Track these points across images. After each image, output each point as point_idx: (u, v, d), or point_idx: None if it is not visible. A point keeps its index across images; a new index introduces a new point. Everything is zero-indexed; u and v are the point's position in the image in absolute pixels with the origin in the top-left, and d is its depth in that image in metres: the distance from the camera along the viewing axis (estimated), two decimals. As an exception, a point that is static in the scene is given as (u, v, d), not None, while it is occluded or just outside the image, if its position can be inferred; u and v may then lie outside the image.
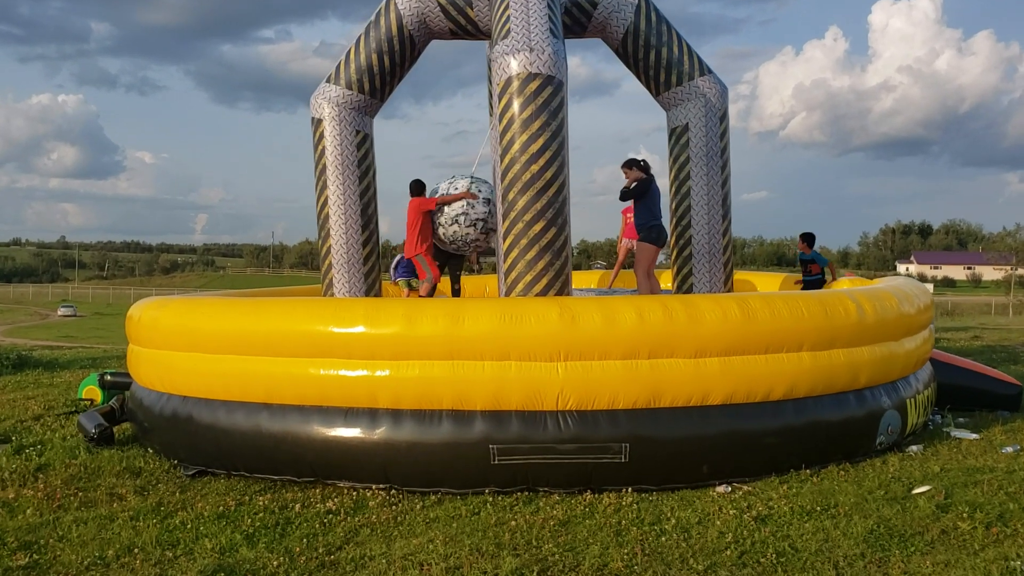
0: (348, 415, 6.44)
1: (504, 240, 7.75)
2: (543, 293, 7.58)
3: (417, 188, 10.22)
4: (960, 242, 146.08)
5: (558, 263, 7.67)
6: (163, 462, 7.37)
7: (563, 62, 7.74)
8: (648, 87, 9.67)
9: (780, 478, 6.54)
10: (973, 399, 9.05)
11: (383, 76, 9.28)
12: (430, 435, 6.26)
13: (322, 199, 9.43)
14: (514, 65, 7.61)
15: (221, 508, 6.06)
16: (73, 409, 9.96)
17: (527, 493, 6.25)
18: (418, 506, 6.05)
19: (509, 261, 7.70)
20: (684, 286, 9.62)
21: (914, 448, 7.42)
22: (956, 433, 8.01)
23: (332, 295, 9.44)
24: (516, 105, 7.62)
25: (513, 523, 5.57)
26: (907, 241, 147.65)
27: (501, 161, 7.74)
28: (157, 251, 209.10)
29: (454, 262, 11.22)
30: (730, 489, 6.32)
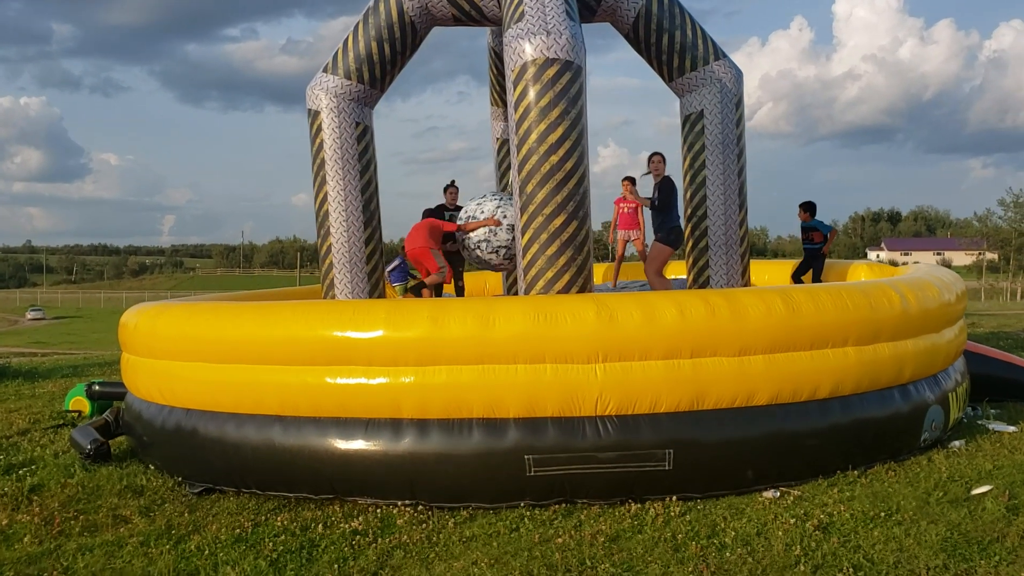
0: (369, 426, 6.00)
1: (523, 235, 7.33)
2: (565, 290, 7.18)
3: (430, 213, 9.95)
4: (929, 228, 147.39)
5: (580, 258, 7.27)
6: (166, 479, 6.89)
7: (581, 46, 7.33)
8: (660, 73, 9.27)
9: (828, 480, 6.19)
10: (1003, 389, 8.74)
11: (383, 65, 8.81)
12: (460, 446, 5.84)
13: (321, 195, 8.95)
14: (529, 50, 7.18)
15: (238, 530, 5.61)
16: (61, 422, 9.45)
17: (565, 505, 5.85)
18: (450, 523, 5.63)
19: (528, 257, 7.29)
20: (700, 279, 9.24)
21: (956, 444, 7.10)
22: (993, 426, 7.70)
23: (333, 296, 8.97)
24: (532, 93, 7.20)
25: (559, 540, 5.16)
26: (877, 228, 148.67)
27: (517, 152, 7.32)
28: (125, 254, 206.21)
29: (456, 259, 10.79)
30: (779, 494, 5.95)
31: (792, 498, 5.83)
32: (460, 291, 10.76)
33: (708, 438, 5.90)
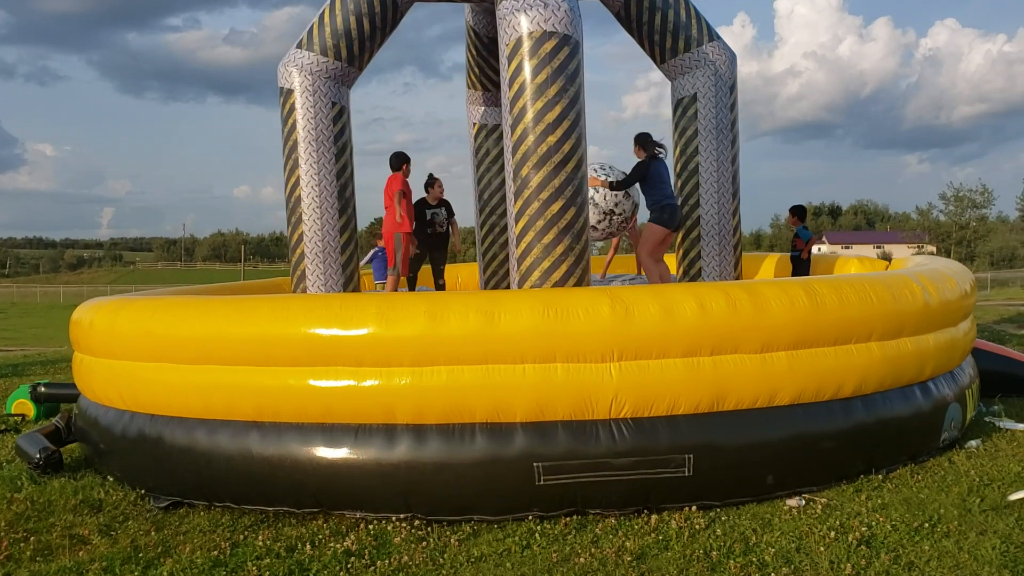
0: (360, 433, 5.43)
1: (517, 222, 6.80)
2: (562, 281, 6.66)
3: (396, 162, 9.30)
4: (869, 222, 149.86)
5: (578, 247, 6.76)
6: (127, 492, 6.23)
7: (579, 20, 6.82)
8: (652, 54, 8.81)
9: (852, 486, 5.78)
10: (1004, 385, 8.44)
11: (362, 41, 8.20)
12: (461, 454, 5.30)
13: (292, 180, 8.31)
14: (525, 23, 6.65)
15: (215, 552, 5.00)
16: (3, 427, 8.68)
17: (576, 517, 5.35)
18: (452, 540, 5.08)
19: (523, 246, 6.76)
20: (691, 271, 8.81)
21: (973, 444, 6.75)
22: (1004, 424, 7.38)
23: (304, 290, 8.35)
24: (528, 69, 6.66)
25: (581, 560, 4.65)
26: (818, 222, 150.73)
27: (512, 133, 6.79)
28: (61, 247, 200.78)
29: (438, 254, 10.26)
30: (803, 502, 5.52)
31: (820, 507, 5.40)
32: (440, 289, 10.21)
33: (729, 442, 5.45)
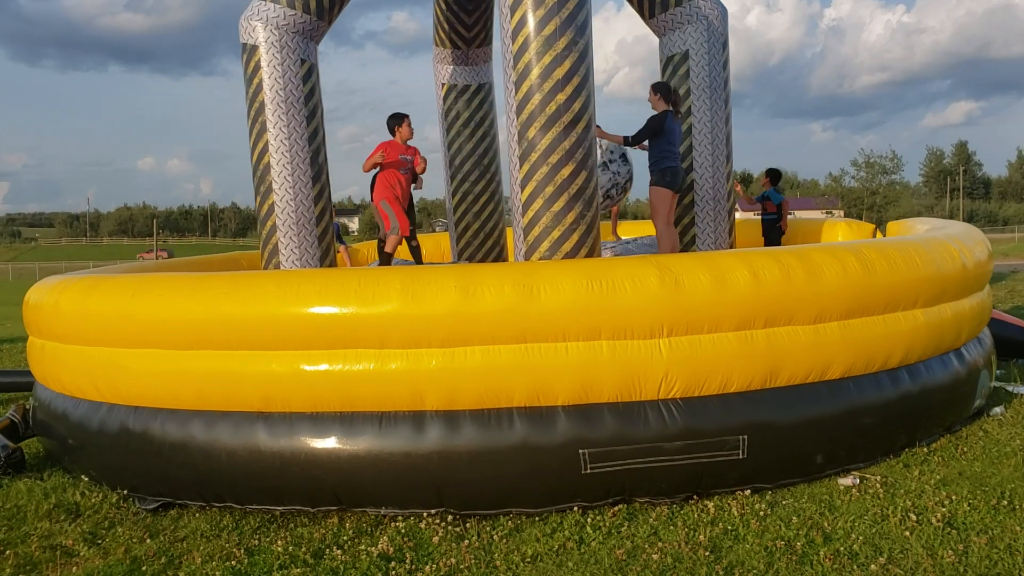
0: (384, 422, 4.89)
1: (523, 189, 6.28)
2: (574, 251, 6.19)
3: (390, 123, 8.66)
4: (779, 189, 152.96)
5: (589, 214, 6.29)
6: (106, 492, 5.57)
7: (589, -34, 6.30)
8: (640, 9, 8.34)
9: (899, 460, 5.51)
10: (1003, 349, 8.29)
11: (334, -8, 7.54)
12: (499, 441, 4.81)
13: (260, 146, 7.61)
14: (534, -31, 6.10)
15: (232, 562, 4.42)
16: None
17: (623, 506, 4.91)
18: (495, 537, 4.60)
19: (531, 214, 6.25)
20: (685, 238, 8.42)
21: (997, 411, 6.55)
22: (1016, 389, 7.21)
23: (277, 263, 7.70)
24: (533, 21, 6.12)
25: (654, 557, 4.21)
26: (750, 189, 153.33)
27: (516, 91, 6.25)
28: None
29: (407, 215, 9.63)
30: (858, 480, 5.19)
31: (877, 485, 5.07)
32: (416, 251, 9.61)
33: (783, 420, 5.08)
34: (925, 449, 5.66)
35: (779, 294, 5.00)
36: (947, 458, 5.52)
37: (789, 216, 11.80)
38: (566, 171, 6.18)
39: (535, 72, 6.15)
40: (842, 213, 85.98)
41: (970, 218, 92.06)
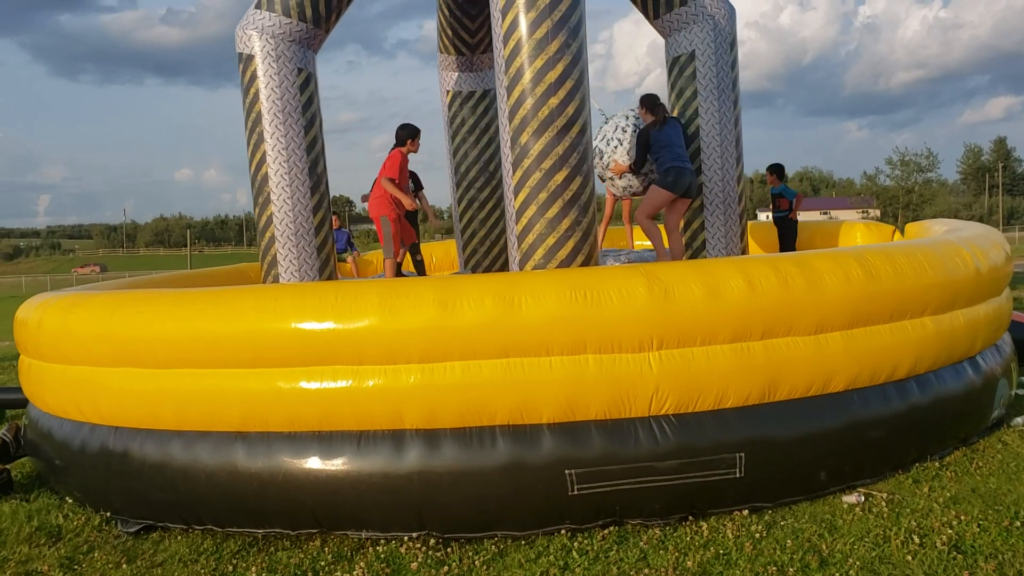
0: (363, 441, 4.72)
1: (516, 196, 6.09)
2: (569, 259, 5.99)
3: (402, 135, 8.46)
4: (814, 188, 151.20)
5: (585, 220, 6.08)
6: (89, 515, 5.46)
7: (582, -34, 6.10)
8: (645, 9, 8.12)
9: (908, 476, 5.23)
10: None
11: (328, 0, 7.39)
12: (481, 461, 4.61)
13: (258, 156, 7.49)
14: (523, -30, 5.91)
15: (203, 590, 4.27)
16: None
17: (614, 528, 4.69)
18: (478, 563, 4.40)
19: (524, 222, 6.06)
20: (695, 243, 8.18)
21: (1019, 420, 6.24)
22: (1036, 397, 6.88)
23: (276, 276, 7.57)
24: (525, 22, 5.93)
25: (639, 584, 4.00)
26: (765, 190, 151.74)
27: (508, 96, 6.07)
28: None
29: (410, 223, 9.48)
30: (863, 498, 4.93)
31: (882, 503, 4.81)
32: (420, 266, 9.45)
33: (783, 435, 4.83)
34: (937, 464, 5.39)
35: (777, 303, 4.76)
36: (960, 473, 5.24)
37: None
38: (560, 176, 5.98)
39: (527, 76, 5.96)
40: (878, 213, 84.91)
41: (1010, 215, 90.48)
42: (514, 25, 5.98)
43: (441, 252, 12.62)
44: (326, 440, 4.75)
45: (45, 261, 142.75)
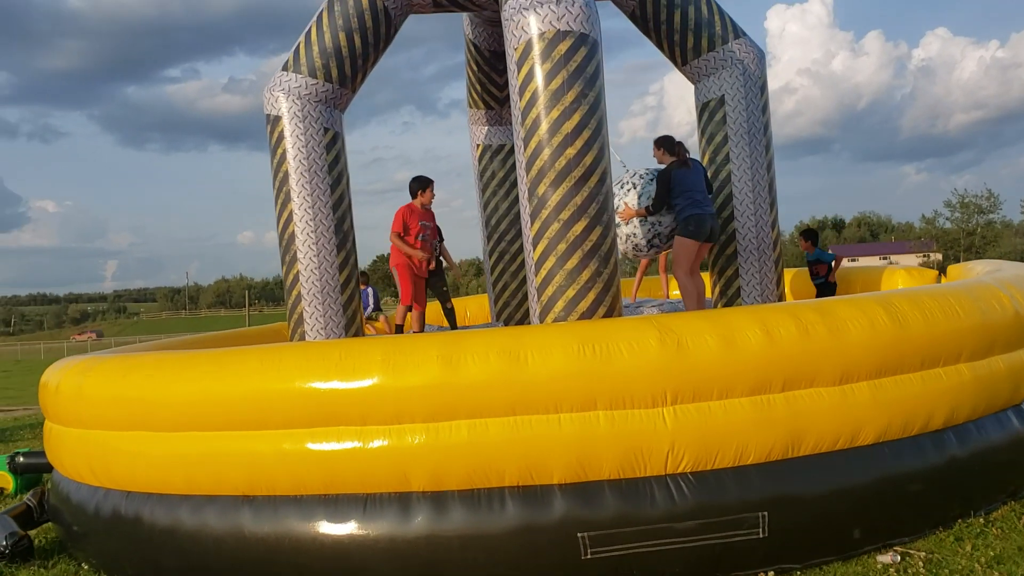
0: (369, 504, 4.58)
1: (535, 247, 5.98)
2: (591, 311, 5.83)
3: (413, 187, 8.51)
4: (872, 233, 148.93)
5: (607, 272, 5.93)
6: (104, 581, 5.38)
7: (596, 16, 6.04)
8: (672, 56, 8.03)
9: (950, 533, 4.92)
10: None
11: (354, 60, 7.42)
12: (490, 524, 4.44)
13: (285, 215, 7.51)
14: (536, 23, 5.87)
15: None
16: (-23, 505, 7.82)
17: (632, 592, 4.47)
18: (487, 630, 4.22)
19: (543, 273, 5.93)
20: (729, 291, 7.97)
21: (1073, 472, 5.87)
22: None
23: (303, 335, 7.52)
24: (541, 74, 5.87)
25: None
26: (823, 236, 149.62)
27: (525, 147, 5.99)
28: (65, 302, 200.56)
29: (434, 279, 9.40)
30: (898, 558, 4.64)
31: (919, 563, 4.52)
32: (450, 314, 9.33)
33: (809, 492, 4.59)
34: (982, 519, 5.07)
35: (797, 353, 4.56)
36: (1007, 530, 4.92)
37: (853, 263, 11.10)
38: (579, 227, 5.86)
39: (544, 127, 5.88)
40: (939, 257, 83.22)
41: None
42: (530, 76, 5.92)
43: (475, 306, 12.54)
44: (332, 504, 4.63)
45: (111, 324, 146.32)
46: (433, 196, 8.67)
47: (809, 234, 11.11)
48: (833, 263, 10.58)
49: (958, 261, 75.43)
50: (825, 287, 10.62)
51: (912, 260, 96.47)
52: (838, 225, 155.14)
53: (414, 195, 8.55)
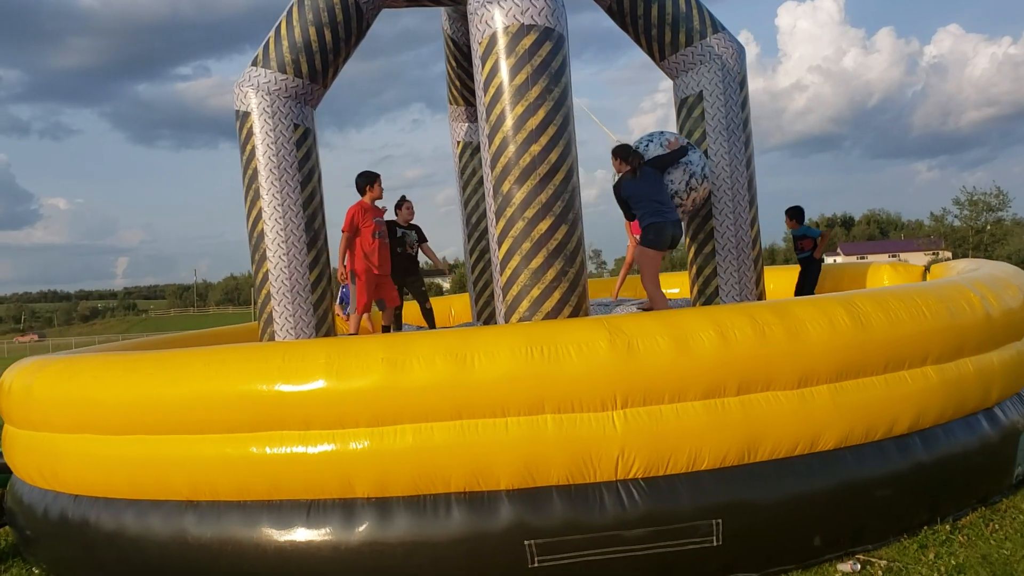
0: (312, 511, 4.47)
1: (500, 246, 5.85)
2: (556, 311, 5.70)
3: (360, 183, 8.32)
4: (882, 231, 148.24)
5: (572, 271, 5.80)
6: (53, 587, 5.28)
7: (562, 10, 5.91)
8: (650, 51, 7.88)
9: (914, 540, 4.78)
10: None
11: (324, 55, 7.29)
12: (435, 531, 4.32)
13: (254, 213, 7.38)
14: (500, 17, 5.74)
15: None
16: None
17: (581, 602, 4.34)
18: (429, 640, 4.10)
19: (508, 273, 5.80)
20: (707, 290, 7.82)
21: (1049, 477, 5.72)
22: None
23: (272, 334, 7.41)
24: (505, 68, 5.74)
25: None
26: (832, 233, 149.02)
27: (489, 144, 5.87)
28: (76, 299, 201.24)
29: (412, 277, 9.28)
30: (859, 566, 4.51)
31: (881, 571, 4.39)
32: (428, 314, 9.23)
33: (766, 499, 4.45)
34: (949, 526, 4.93)
35: (753, 355, 4.42)
36: (973, 537, 4.77)
37: (861, 260, 10.90)
38: (543, 225, 5.73)
39: (508, 123, 5.76)
40: (949, 255, 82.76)
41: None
42: (494, 71, 5.80)
43: (460, 305, 12.42)
44: (276, 510, 4.52)
45: (119, 322, 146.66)
46: (382, 190, 8.43)
47: (793, 211, 10.88)
48: (819, 239, 10.43)
49: (966, 257, 74.91)
50: (810, 263, 10.45)
51: (920, 258, 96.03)
52: (847, 222, 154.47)
53: (362, 191, 8.28)
